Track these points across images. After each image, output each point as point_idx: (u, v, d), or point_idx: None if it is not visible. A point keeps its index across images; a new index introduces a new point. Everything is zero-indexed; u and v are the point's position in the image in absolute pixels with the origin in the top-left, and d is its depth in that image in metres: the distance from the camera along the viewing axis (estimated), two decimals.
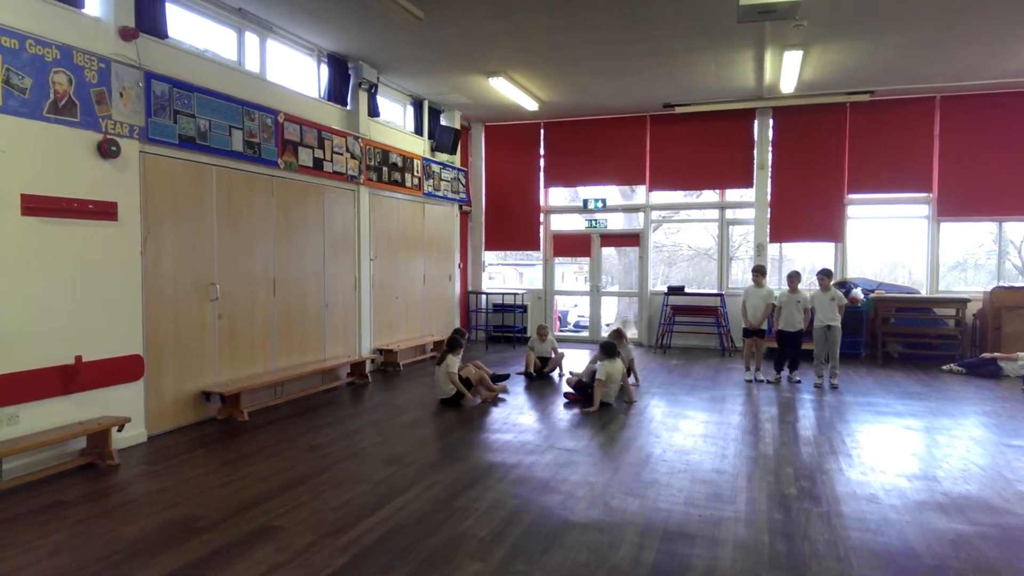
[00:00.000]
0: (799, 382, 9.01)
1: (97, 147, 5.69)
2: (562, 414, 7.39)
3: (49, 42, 5.29)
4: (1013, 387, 8.81)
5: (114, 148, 5.77)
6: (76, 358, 5.51)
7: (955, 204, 11.22)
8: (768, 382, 9.08)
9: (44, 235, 5.31)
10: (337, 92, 9.32)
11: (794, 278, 8.98)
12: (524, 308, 13.37)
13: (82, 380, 5.54)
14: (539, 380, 9.28)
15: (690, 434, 6.50)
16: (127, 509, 4.59)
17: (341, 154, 9.02)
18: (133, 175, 6.07)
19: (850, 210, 11.79)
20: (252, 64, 8.01)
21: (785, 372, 9.18)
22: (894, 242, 12.62)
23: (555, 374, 9.59)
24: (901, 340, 11.08)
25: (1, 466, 4.97)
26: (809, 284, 11.91)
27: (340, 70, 9.35)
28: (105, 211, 5.76)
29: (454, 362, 7.90)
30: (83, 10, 5.71)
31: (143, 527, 4.27)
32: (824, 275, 8.91)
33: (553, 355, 9.70)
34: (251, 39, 7.98)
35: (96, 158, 5.69)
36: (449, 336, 8.26)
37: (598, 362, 7.86)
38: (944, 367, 10.13)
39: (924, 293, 11.39)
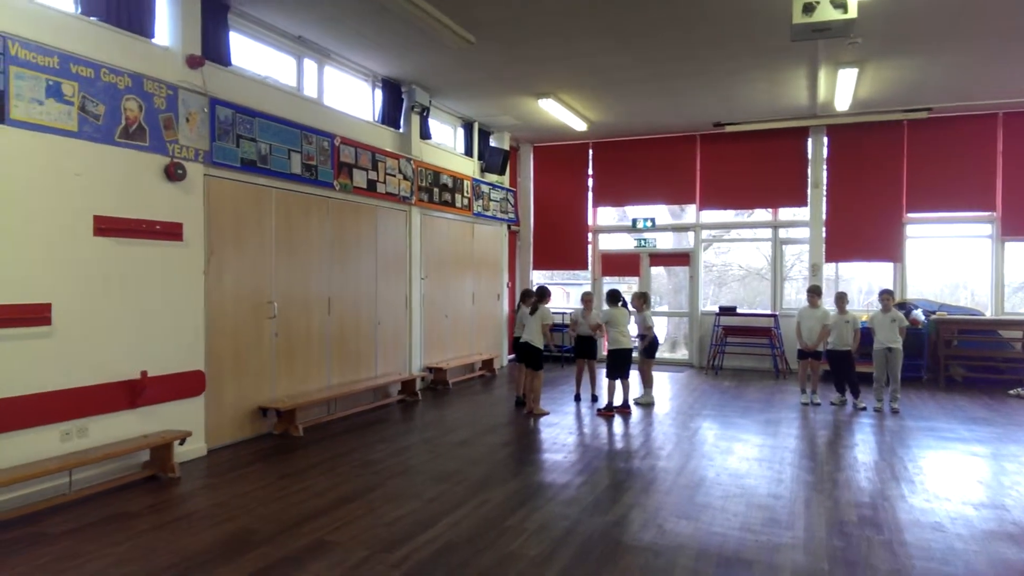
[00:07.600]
0: (864, 408, 8.60)
1: (164, 170, 5.93)
2: (612, 435, 7.34)
3: (122, 71, 5.55)
4: None
5: (180, 171, 6.01)
6: (142, 373, 5.70)
7: (1020, 223, 10.84)
8: (832, 404, 8.86)
9: (114, 255, 5.54)
10: (390, 115, 9.54)
11: (841, 299, 8.87)
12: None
13: (147, 395, 5.73)
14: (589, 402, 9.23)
15: (744, 457, 6.39)
16: (188, 521, 4.72)
17: (394, 176, 9.20)
18: (198, 197, 6.31)
19: (909, 229, 11.48)
20: (310, 89, 8.26)
21: (850, 398, 8.90)
22: (956, 262, 12.20)
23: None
24: (965, 363, 10.71)
25: (71, 477, 5.17)
26: (867, 305, 11.63)
27: (394, 94, 9.57)
28: (171, 232, 5.99)
29: (548, 313, 8.25)
30: (153, 40, 5.99)
31: (203, 539, 4.39)
32: (886, 295, 8.71)
33: (596, 332, 8.92)
34: (309, 65, 8.24)
35: (163, 181, 5.93)
36: (538, 287, 8.58)
37: (604, 307, 8.63)
38: (1011, 391, 9.75)
39: (988, 315, 11.01)
